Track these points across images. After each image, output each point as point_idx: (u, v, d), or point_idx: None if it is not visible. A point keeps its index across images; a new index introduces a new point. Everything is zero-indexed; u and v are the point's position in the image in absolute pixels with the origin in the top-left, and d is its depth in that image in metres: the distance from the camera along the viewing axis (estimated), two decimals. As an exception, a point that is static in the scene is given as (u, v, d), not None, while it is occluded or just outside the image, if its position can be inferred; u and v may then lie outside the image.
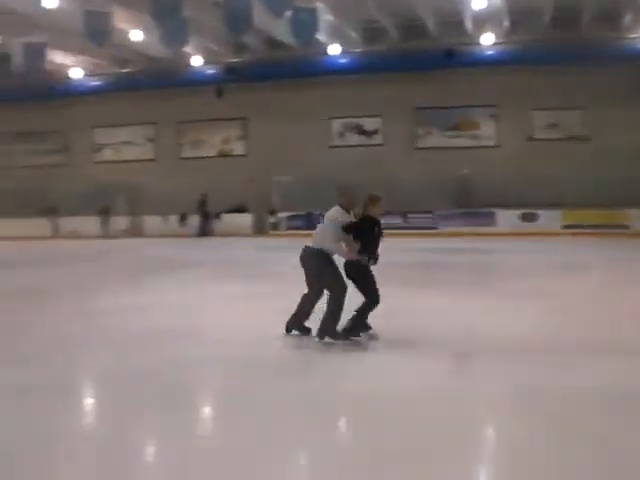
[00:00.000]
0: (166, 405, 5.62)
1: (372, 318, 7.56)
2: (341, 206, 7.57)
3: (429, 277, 14.21)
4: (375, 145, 30.05)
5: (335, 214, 7.54)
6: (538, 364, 6.67)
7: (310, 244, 7.62)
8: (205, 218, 29.39)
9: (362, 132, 30.40)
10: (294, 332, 7.83)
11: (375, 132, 30.21)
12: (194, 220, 29.70)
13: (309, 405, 5.61)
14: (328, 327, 7.45)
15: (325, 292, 7.57)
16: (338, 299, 7.40)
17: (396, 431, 4.91)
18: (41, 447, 4.68)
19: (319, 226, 7.82)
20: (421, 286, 12.36)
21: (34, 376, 6.46)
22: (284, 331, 7.84)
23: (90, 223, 30.79)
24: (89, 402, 6.25)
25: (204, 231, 29.17)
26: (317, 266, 7.52)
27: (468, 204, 27.21)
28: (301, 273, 7.69)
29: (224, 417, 5.59)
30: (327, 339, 7.49)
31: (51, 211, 32.13)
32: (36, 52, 24.49)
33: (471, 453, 4.63)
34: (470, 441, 4.84)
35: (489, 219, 26.86)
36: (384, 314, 7.64)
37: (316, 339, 7.55)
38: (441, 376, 6.42)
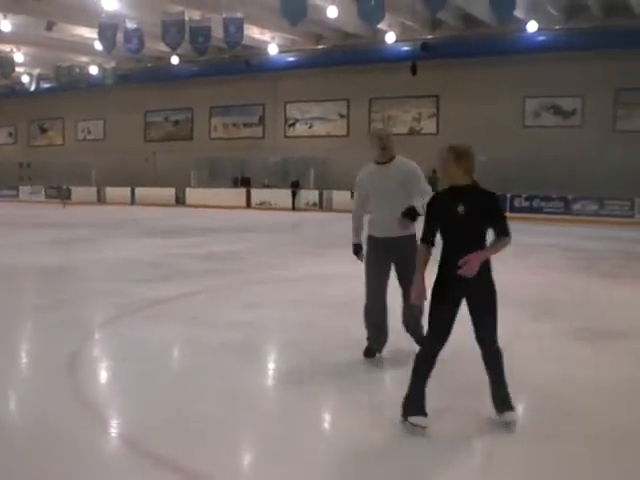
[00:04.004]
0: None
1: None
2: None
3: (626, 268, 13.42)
4: (573, 126, 28.66)
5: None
6: None
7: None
8: None
9: (559, 112, 29.10)
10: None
11: (573, 113, 28.79)
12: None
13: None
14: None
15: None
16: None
17: None
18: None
19: None
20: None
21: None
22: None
23: (280, 195, 31.70)
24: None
25: None
26: None
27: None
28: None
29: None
30: None
31: (244, 182, 33.46)
32: (234, 27, 25.22)
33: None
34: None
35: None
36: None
37: None
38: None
